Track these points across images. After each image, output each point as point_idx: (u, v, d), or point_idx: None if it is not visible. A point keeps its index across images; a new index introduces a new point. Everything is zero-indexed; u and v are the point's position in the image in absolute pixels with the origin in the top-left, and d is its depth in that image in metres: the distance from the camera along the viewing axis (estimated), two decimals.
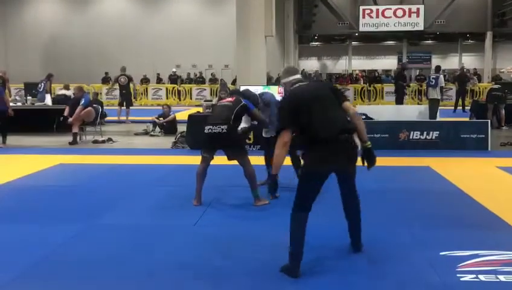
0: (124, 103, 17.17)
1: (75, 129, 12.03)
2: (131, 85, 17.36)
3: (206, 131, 6.20)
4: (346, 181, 4.47)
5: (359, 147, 4.33)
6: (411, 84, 25.27)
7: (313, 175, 4.17)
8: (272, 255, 4.53)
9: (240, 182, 6.62)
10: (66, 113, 12.27)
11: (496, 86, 15.17)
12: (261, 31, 13.42)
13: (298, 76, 4.59)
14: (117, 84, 17.60)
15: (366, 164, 4.42)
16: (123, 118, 17.04)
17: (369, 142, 4.39)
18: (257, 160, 7.06)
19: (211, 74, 29.72)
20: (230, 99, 6.47)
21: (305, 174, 4.20)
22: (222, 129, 6.09)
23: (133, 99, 18.53)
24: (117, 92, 19.52)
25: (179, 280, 4.11)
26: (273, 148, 4.29)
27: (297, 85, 4.46)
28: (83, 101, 12.22)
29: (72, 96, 13.83)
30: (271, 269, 4.21)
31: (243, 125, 6.64)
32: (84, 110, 12.11)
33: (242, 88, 9.64)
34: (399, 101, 18.94)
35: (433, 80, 15.29)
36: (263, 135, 7.27)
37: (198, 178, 6.35)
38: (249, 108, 6.36)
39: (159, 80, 29.42)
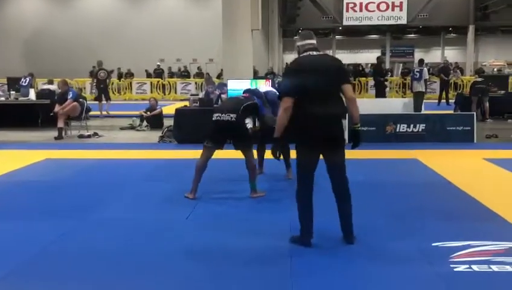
0: (103, 97, 17.12)
1: (61, 124, 11.89)
2: (107, 80, 17.49)
3: (214, 118, 6.13)
4: (335, 168, 4.52)
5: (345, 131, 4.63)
6: (395, 78, 25.41)
7: (301, 151, 4.42)
8: (268, 243, 4.56)
9: (232, 176, 6.61)
10: (56, 109, 12.09)
11: (480, 79, 15.32)
12: (247, 24, 13.37)
13: (312, 41, 4.61)
14: (95, 78, 17.57)
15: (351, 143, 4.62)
16: (105, 112, 16.98)
17: (358, 124, 4.57)
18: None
19: (197, 67, 29.62)
20: (244, 95, 6.48)
21: (298, 150, 4.45)
22: (231, 117, 6.04)
23: (117, 94, 18.51)
24: None
25: (176, 272, 4.09)
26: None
27: (306, 54, 4.53)
28: (70, 95, 12.11)
29: (57, 90, 13.71)
30: (268, 258, 4.21)
31: (249, 125, 6.59)
32: (71, 104, 11.99)
33: (229, 82, 9.62)
34: (379, 95, 18.65)
35: (417, 74, 15.40)
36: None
37: (197, 171, 6.24)
38: (260, 108, 6.36)
39: (149, 75, 29.21)
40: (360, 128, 4.61)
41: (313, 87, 4.32)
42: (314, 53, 4.52)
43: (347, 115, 5.42)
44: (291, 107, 4.33)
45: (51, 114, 12.33)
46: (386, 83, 18.67)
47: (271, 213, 5.66)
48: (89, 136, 12.17)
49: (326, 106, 4.33)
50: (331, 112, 4.36)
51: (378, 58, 19.49)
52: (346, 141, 4.81)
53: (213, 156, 6.31)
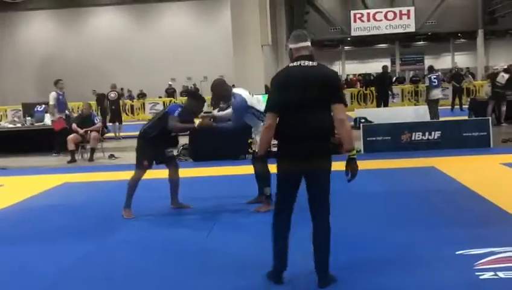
0: (115, 119, 17.32)
1: (71, 147, 12.00)
2: (120, 101, 17.66)
3: None
4: (315, 195, 3.95)
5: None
6: (406, 86, 25.36)
7: (282, 174, 3.97)
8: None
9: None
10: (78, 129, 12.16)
11: (500, 84, 15.08)
12: (257, 39, 13.48)
13: (306, 43, 4.08)
14: (106, 100, 17.79)
15: (348, 175, 3.97)
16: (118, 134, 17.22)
17: (353, 151, 3.92)
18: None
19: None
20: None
21: (278, 174, 4.00)
22: None
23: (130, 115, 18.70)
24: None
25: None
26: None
27: (297, 63, 3.97)
28: (97, 119, 12.58)
29: (72, 114, 13.94)
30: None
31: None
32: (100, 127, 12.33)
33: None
34: (382, 104, 18.27)
35: (435, 80, 15.29)
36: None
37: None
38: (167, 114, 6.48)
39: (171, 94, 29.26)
40: (355, 155, 3.94)
41: (299, 105, 3.83)
42: (307, 63, 3.94)
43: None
44: (274, 125, 3.89)
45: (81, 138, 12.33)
46: (389, 92, 18.49)
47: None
48: (111, 156, 12.38)
49: (312, 126, 3.83)
50: (316, 133, 3.85)
51: (383, 67, 19.41)
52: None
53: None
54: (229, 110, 6.75)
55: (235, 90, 6.55)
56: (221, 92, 6.61)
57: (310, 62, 3.96)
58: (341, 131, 3.88)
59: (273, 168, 3.98)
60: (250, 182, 6.80)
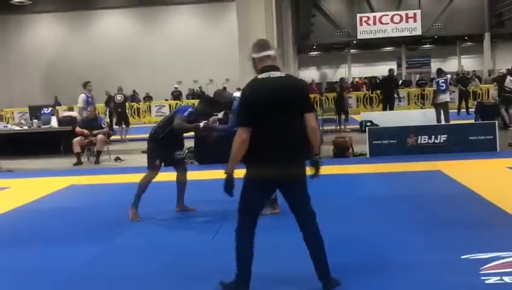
0: (122, 122, 17.35)
1: (77, 149, 12.07)
2: (126, 104, 17.72)
3: None
4: (298, 205, 3.97)
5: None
6: (413, 89, 25.33)
7: (254, 184, 3.89)
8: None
9: None
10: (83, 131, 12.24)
11: (508, 88, 15.03)
12: None
13: (269, 52, 4.01)
14: (113, 102, 17.84)
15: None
16: (124, 136, 17.26)
17: (318, 155, 4.02)
18: None
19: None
20: None
21: (245, 183, 3.91)
22: None
23: (136, 117, 18.77)
24: None
25: None
26: None
27: (265, 75, 3.90)
28: (103, 121, 12.63)
29: (78, 117, 13.99)
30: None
31: None
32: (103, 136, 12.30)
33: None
34: (387, 107, 18.20)
35: (443, 84, 15.25)
36: None
37: None
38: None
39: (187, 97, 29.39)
40: (320, 159, 4.05)
41: (272, 117, 3.80)
42: (275, 74, 3.89)
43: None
44: (248, 139, 3.79)
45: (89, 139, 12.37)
46: (395, 95, 18.43)
47: None
48: (117, 159, 12.42)
49: (285, 137, 3.83)
50: (290, 144, 3.85)
51: (390, 70, 19.37)
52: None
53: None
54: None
55: (235, 94, 6.67)
56: (221, 100, 6.69)
57: (278, 73, 3.93)
58: (312, 138, 3.91)
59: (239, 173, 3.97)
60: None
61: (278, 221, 5.78)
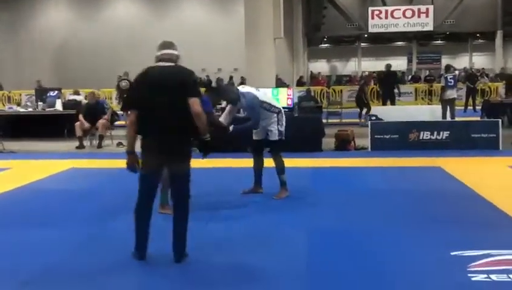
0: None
1: (79, 133, 12.11)
2: None
3: None
4: (175, 181, 4.45)
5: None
6: (421, 84, 25.18)
7: (145, 167, 4.35)
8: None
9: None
10: (84, 121, 12.25)
11: None
12: (270, 32, 13.44)
13: (168, 51, 4.48)
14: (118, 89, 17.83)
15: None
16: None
17: (207, 136, 4.47)
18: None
19: (217, 78, 29.78)
20: None
21: (142, 162, 4.36)
22: None
23: None
24: None
25: (201, 276, 4.14)
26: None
27: (156, 65, 4.42)
28: (107, 106, 12.87)
29: (83, 101, 14.00)
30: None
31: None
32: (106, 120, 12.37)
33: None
34: (387, 103, 18.08)
35: (452, 80, 15.13)
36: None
37: None
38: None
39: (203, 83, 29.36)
40: (208, 138, 4.51)
41: (156, 101, 4.21)
42: (164, 64, 4.39)
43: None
44: (136, 121, 4.25)
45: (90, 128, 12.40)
46: (395, 91, 18.23)
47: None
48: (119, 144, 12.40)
49: (170, 120, 4.22)
50: (174, 126, 4.24)
51: (386, 65, 19.20)
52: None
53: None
54: (227, 109, 6.81)
55: (242, 90, 6.65)
56: (230, 94, 6.71)
57: (168, 63, 4.40)
58: (198, 122, 4.27)
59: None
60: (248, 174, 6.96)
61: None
